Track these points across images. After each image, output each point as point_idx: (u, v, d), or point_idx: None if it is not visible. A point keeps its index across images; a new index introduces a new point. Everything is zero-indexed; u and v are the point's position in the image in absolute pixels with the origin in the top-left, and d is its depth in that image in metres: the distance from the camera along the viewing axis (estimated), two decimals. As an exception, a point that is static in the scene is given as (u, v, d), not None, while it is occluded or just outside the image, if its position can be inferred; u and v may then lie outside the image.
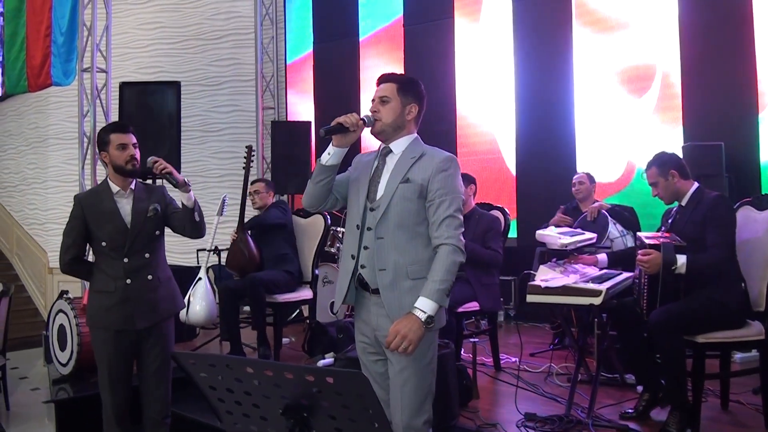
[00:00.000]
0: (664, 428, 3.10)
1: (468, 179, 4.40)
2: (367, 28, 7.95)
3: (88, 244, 3.04)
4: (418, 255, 2.27)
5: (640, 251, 3.24)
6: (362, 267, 2.30)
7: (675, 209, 3.46)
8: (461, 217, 2.28)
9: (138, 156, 2.97)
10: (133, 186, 3.00)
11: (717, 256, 3.13)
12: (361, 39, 7.99)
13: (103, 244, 2.91)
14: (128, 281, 2.89)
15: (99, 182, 6.10)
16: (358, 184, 2.38)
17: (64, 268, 2.99)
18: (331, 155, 2.32)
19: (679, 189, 3.35)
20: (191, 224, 2.96)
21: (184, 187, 2.91)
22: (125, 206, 2.95)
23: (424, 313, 2.14)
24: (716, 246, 3.14)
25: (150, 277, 2.95)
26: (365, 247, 2.30)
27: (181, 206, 2.96)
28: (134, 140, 2.97)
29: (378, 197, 2.31)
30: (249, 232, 5.04)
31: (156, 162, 2.91)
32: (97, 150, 3.51)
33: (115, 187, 2.96)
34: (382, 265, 2.26)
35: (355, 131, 2.30)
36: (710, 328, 3.13)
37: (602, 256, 3.81)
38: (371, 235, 2.28)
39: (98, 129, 6.27)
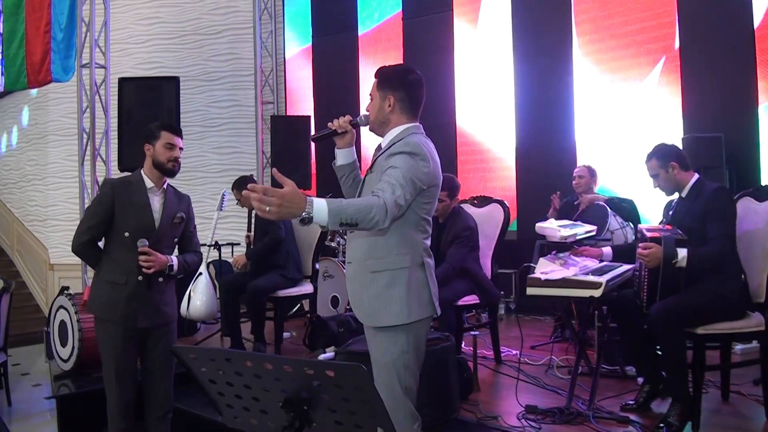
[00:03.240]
0: (665, 420, 3.10)
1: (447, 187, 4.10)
2: (365, 22, 7.93)
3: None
4: (378, 248, 2.23)
5: (640, 244, 3.23)
6: (349, 263, 2.37)
7: (675, 201, 3.45)
8: (404, 192, 2.08)
9: (180, 160, 3.00)
10: (165, 186, 3.01)
11: (717, 248, 3.12)
12: (359, 33, 7.97)
13: (126, 235, 2.88)
14: (140, 278, 2.89)
15: (99, 179, 6.14)
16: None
17: (76, 249, 2.91)
18: (337, 156, 2.47)
19: (679, 181, 3.34)
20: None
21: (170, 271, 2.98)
22: (156, 203, 2.95)
23: (311, 208, 1.85)
24: (717, 238, 3.13)
25: (161, 279, 2.96)
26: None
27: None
28: (182, 144, 3.01)
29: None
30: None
31: (145, 252, 2.87)
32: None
33: (149, 182, 2.96)
34: (350, 259, 2.35)
35: (347, 132, 2.37)
36: (710, 320, 3.13)
37: (607, 250, 3.80)
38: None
39: (97, 124, 6.32)
